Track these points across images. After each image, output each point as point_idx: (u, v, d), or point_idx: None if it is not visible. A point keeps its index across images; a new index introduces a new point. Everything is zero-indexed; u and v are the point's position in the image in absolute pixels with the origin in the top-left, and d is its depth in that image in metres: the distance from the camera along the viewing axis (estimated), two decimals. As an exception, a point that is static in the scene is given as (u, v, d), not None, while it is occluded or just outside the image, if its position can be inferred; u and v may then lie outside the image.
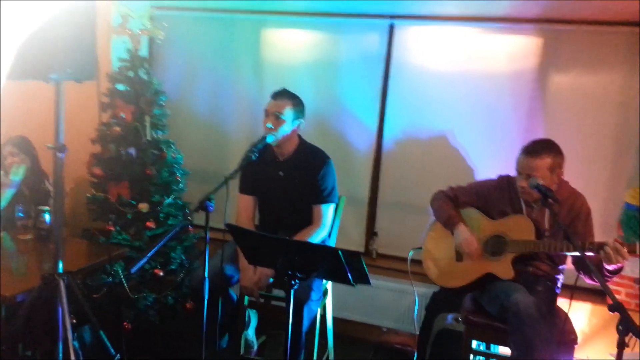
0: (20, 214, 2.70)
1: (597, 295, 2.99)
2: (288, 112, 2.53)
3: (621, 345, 1.45)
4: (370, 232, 3.60)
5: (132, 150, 3.14)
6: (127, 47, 3.14)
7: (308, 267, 2.04)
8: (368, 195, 3.55)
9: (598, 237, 2.99)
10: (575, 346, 2.20)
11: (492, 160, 3.14)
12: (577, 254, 2.20)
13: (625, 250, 1.99)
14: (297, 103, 2.58)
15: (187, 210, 3.28)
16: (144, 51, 3.43)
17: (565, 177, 2.49)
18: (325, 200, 2.63)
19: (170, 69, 3.76)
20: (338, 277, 2.18)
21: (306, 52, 3.49)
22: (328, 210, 2.65)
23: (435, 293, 3.12)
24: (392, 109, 3.39)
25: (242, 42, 3.63)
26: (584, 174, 3.00)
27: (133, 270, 1.87)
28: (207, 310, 2.16)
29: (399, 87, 3.34)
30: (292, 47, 3.53)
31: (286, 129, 2.54)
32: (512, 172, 2.48)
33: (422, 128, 3.34)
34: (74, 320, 2.93)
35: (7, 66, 1.76)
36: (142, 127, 3.12)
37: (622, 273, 2.94)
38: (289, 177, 2.63)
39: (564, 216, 2.30)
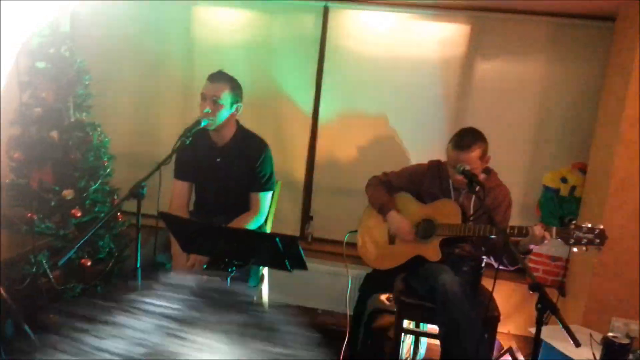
0: None
1: (518, 274, 3.18)
2: (226, 97, 2.47)
3: (540, 322, 1.55)
4: (306, 216, 3.62)
5: (54, 133, 2.95)
6: (48, 22, 2.93)
7: (245, 254, 2.03)
8: (303, 180, 3.56)
9: (519, 218, 3.20)
10: (499, 323, 2.33)
11: (424, 143, 3.24)
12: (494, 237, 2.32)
13: (547, 232, 2.13)
14: (235, 86, 2.53)
15: (115, 197, 3.14)
16: (66, 27, 3.22)
17: (490, 161, 2.61)
18: (263, 187, 2.61)
19: (95, 47, 3.55)
20: (275, 264, 2.19)
21: (240, 32, 3.42)
22: (265, 198, 2.64)
23: (367, 274, 3.20)
24: (327, 92, 3.40)
25: (173, 19, 3.50)
26: (506, 158, 3.15)
27: (61, 262, 1.79)
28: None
29: (334, 70, 3.36)
30: (224, 27, 3.44)
31: (224, 114, 2.48)
32: (443, 157, 2.57)
33: (356, 112, 3.38)
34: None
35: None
36: (65, 108, 2.94)
37: (540, 251, 3.18)
38: (226, 163, 2.58)
39: (489, 203, 2.41)
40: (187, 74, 3.49)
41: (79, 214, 2.99)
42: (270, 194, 2.67)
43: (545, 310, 1.54)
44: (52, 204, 2.94)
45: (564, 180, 3.06)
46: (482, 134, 2.42)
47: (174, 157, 2.29)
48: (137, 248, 2.03)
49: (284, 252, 1.97)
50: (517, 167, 3.21)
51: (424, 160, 2.72)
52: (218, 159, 2.58)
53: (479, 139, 2.38)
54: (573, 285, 3.08)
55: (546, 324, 1.58)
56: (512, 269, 2.33)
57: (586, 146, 3.06)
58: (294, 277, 3.43)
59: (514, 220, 2.46)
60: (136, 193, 1.97)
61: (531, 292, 1.58)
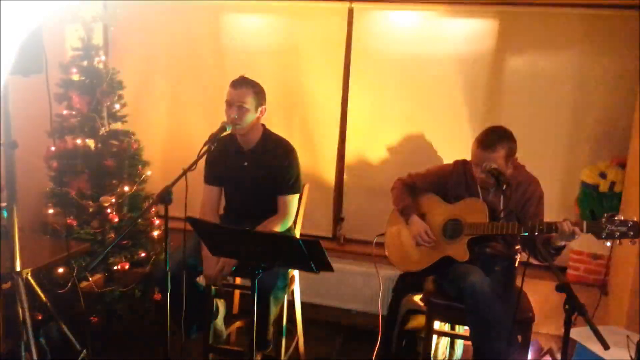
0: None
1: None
2: (251, 101, 2.49)
3: (568, 324, 1.50)
4: (337, 218, 3.62)
5: (90, 142, 3.06)
6: (80, 36, 3.04)
7: (270, 257, 2.04)
8: (334, 181, 3.56)
9: (558, 216, 3.09)
10: (533, 323, 2.26)
11: (454, 142, 3.19)
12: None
13: (576, 227, 2.05)
14: (258, 90, 2.55)
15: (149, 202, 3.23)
16: (98, 39, 3.33)
17: (524, 159, 2.54)
18: (290, 190, 2.62)
19: (127, 57, 3.67)
20: (301, 265, 2.19)
21: (266, 37, 3.46)
22: (293, 201, 2.65)
23: (401, 275, 3.17)
24: (355, 94, 3.39)
25: (201, 28, 3.57)
26: (542, 155, 3.08)
27: (91, 267, 1.85)
28: (172, 302, 2.15)
29: (361, 71, 3.35)
30: (252, 33, 3.49)
31: (250, 118, 2.51)
32: (469, 156, 2.51)
33: (385, 112, 3.36)
34: (40, 317, 2.91)
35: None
36: (99, 118, 3.05)
37: (580, 249, 3.07)
38: (253, 167, 2.61)
39: (518, 199, 2.35)
40: (217, 80, 3.53)
41: (116, 220, 3.09)
42: (297, 196, 2.67)
43: (573, 311, 1.49)
44: (90, 210, 3.04)
45: (602, 175, 2.94)
46: (509, 133, 2.34)
47: (201, 163, 2.33)
48: (166, 252, 2.07)
49: (308, 254, 1.98)
50: (554, 165, 3.11)
51: (454, 159, 2.67)
52: (245, 163, 2.61)
53: (505, 138, 2.31)
54: (615, 284, 2.95)
55: (575, 325, 1.52)
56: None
57: (625, 140, 2.93)
58: (327, 278, 3.48)
59: (553, 218, 2.36)
60: (163, 199, 2.01)
61: (558, 292, 1.53)
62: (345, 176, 3.55)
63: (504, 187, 2.13)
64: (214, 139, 2.28)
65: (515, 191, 2.35)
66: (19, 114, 2.23)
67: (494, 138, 2.28)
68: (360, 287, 3.46)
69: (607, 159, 2.99)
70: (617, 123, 2.96)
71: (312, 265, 2.03)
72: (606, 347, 1.35)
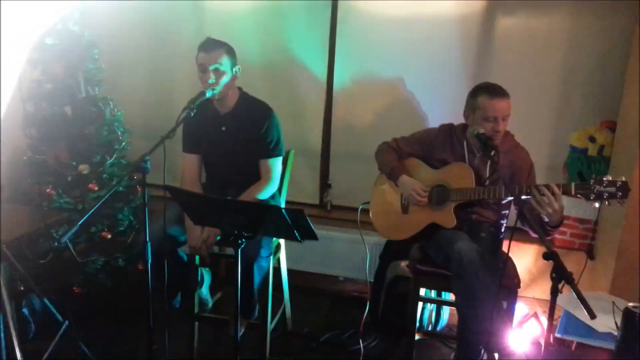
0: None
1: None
2: (226, 62, 2.40)
3: (555, 292, 1.48)
4: (324, 184, 3.57)
5: (67, 109, 2.96)
6: (53, -3, 2.90)
7: (253, 226, 2.00)
8: (320, 147, 3.50)
9: (545, 180, 3.06)
10: (519, 289, 2.26)
11: (443, 106, 3.11)
12: (512, 198, 2.22)
13: (551, 196, 2.01)
14: (230, 50, 2.45)
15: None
16: (72, 2, 3.17)
17: (513, 121, 2.48)
18: (272, 154, 2.55)
19: (105, 20, 3.51)
20: (285, 234, 2.15)
21: (249, -3, 3.31)
22: (275, 164, 2.59)
23: (388, 242, 3.14)
24: (341, 56, 3.29)
25: (181, -12, 3.41)
26: (531, 117, 3.02)
27: (63, 239, 1.79)
28: (154, 272, 2.11)
29: (348, 32, 3.23)
30: (233, -7, 3.34)
31: (227, 79, 2.42)
32: (461, 118, 2.45)
33: (371, 75, 3.26)
34: (22, 288, 2.87)
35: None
36: (76, 84, 2.93)
37: (567, 214, 3.04)
38: (232, 131, 2.53)
39: (506, 166, 2.31)
40: (197, 42, 3.38)
41: (96, 189, 3.02)
42: (279, 159, 2.61)
43: (560, 280, 1.46)
44: (69, 179, 2.97)
45: (591, 139, 2.90)
46: None
47: (179, 130, 2.25)
48: (145, 222, 2.01)
49: (292, 223, 1.93)
50: (543, 127, 3.06)
51: (444, 122, 2.61)
52: (223, 128, 2.53)
53: None
54: (602, 249, 2.96)
55: (562, 292, 1.50)
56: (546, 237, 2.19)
57: (615, 104, 2.88)
58: (314, 245, 3.45)
59: (541, 182, 2.32)
60: (139, 167, 1.94)
61: (545, 260, 1.49)
62: (331, 142, 3.48)
63: (492, 153, 2.08)
64: (192, 104, 2.20)
65: (503, 158, 2.31)
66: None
67: (501, 88, 2.26)
68: (347, 253, 3.44)
69: (596, 123, 2.94)
70: (607, 86, 2.89)
71: (297, 234, 1.99)
72: (593, 316, 1.33)
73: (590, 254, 3.02)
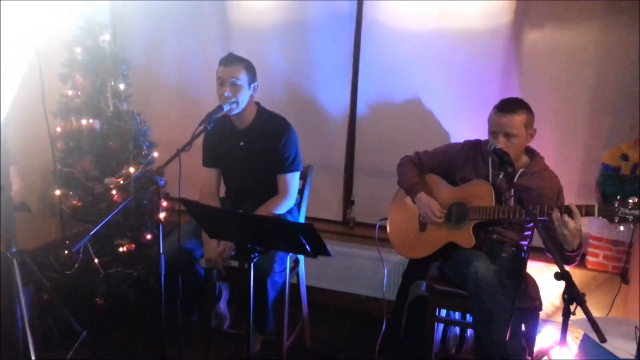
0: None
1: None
2: (243, 77, 2.42)
3: (567, 314, 1.40)
4: (347, 201, 3.53)
5: (95, 123, 3.03)
6: (84, 13, 3.00)
7: (266, 240, 1.98)
8: (344, 163, 3.47)
9: (577, 200, 2.94)
10: (540, 312, 2.15)
11: (467, 122, 3.05)
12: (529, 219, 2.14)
13: (563, 217, 1.92)
14: (249, 66, 2.47)
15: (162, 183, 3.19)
16: (104, 18, 3.29)
17: (542, 139, 2.42)
18: (289, 169, 2.54)
19: (133, 36, 3.62)
20: (297, 250, 2.13)
21: (274, 14, 3.34)
22: (293, 179, 2.57)
23: (411, 260, 3.07)
24: (365, 71, 3.27)
25: (208, 5, 3.47)
26: (562, 135, 2.93)
27: (75, 249, 1.83)
28: (168, 286, 2.12)
29: (371, 48, 3.22)
30: (259, 10, 3.38)
31: (245, 95, 2.44)
32: (484, 135, 2.39)
33: (395, 91, 3.23)
34: (45, 298, 2.93)
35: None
36: (104, 98, 3.01)
37: (601, 235, 2.91)
38: (250, 146, 2.54)
39: (530, 187, 2.23)
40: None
41: (121, 201, 3.07)
42: (297, 174, 2.59)
43: (572, 301, 1.38)
44: (95, 191, 3.03)
45: (624, 157, 2.77)
46: (527, 104, 2.26)
47: (197, 145, 2.27)
48: (159, 236, 2.03)
49: (303, 239, 1.91)
50: (574, 144, 2.95)
51: (468, 138, 2.55)
52: (241, 143, 2.54)
53: (525, 106, 2.24)
54: (636, 272, 2.80)
55: (574, 314, 1.41)
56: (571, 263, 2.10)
57: (650, 120, 2.75)
58: (336, 263, 3.42)
59: (572, 202, 2.21)
60: (154, 180, 1.96)
61: (557, 280, 1.42)
62: (355, 159, 3.45)
63: (509, 168, 2.01)
64: (209, 118, 2.22)
65: (528, 179, 2.23)
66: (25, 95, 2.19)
67: (514, 103, 2.22)
68: (370, 271, 3.39)
69: (629, 140, 2.81)
70: (640, 101, 2.77)
71: (309, 249, 1.97)
72: (602, 339, 1.26)
73: (624, 277, 2.87)
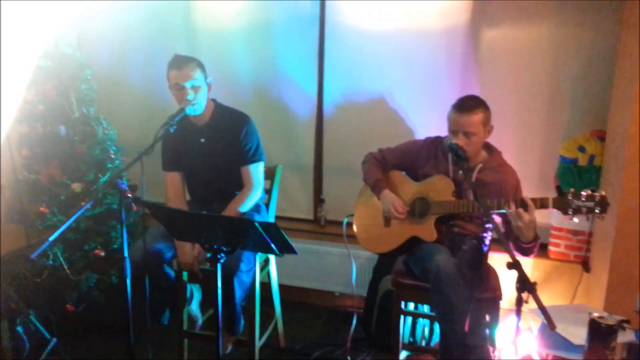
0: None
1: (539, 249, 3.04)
2: (199, 76, 2.43)
3: (519, 302, 1.45)
4: (318, 199, 3.57)
5: (61, 129, 3.02)
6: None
7: (231, 241, 2.00)
8: (313, 162, 3.51)
9: (537, 192, 3.02)
10: (500, 302, 2.22)
11: (430, 119, 3.12)
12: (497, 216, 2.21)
13: (518, 210, 1.99)
14: (200, 63, 2.47)
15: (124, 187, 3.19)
16: (65, 23, 3.26)
17: (501, 133, 2.48)
18: (252, 159, 2.56)
19: (97, 40, 3.61)
20: (263, 249, 2.15)
21: (238, 16, 3.37)
22: (257, 170, 2.60)
23: (381, 255, 3.12)
24: (330, 71, 3.32)
25: (172, 9, 3.48)
26: (519, 129, 3.01)
27: (33, 255, 1.81)
28: (137, 289, 2.13)
29: (335, 48, 3.27)
30: (223, 12, 3.40)
31: (204, 93, 2.46)
32: (447, 131, 2.44)
33: (360, 90, 3.29)
34: (13, 306, 2.91)
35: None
36: (69, 104, 2.99)
37: (561, 226, 3.00)
38: (211, 141, 2.55)
39: (488, 182, 2.29)
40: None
41: (89, 207, 3.05)
42: (261, 164, 2.62)
43: (524, 289, 1.44)
44: (62, 197, 3.01)
45: (581, 149, 2.86)
46: (484, 101, 2.31)
47: (157, 148, 2.27)
48: (124, 240, 2.04)
49: (267, 237, 1.93)
50: (532, 138, 3.04)
51: (432, 135, 2.61)
52: (202, 140, 2.55)
53: (482, 104, 2.28)
54: (597, 261, 2.89)
55: (527, 302, 1.47)
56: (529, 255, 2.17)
57: (604, 112, 2.84)
58: (308, 261, 3.45)
59: (532, 195, 2.27)
60: (115, 184, 1.97)
61: (509, 269, 1.48)
62: (324, 157, 3.49)
63: (465, 163, 2.07)
64: (172, 121, 2.23)
65: (487, 174, 2.30)
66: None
67: (471, 102, 2.25)
68: (342, 268, 3.43)
69: (585, 132, 2.91)
70: (595, 95, 2.87)
71: (275, 248, 1.99)
72: (552, 327, 1.31)
73: (586, 266, 2.96)
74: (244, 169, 2.57)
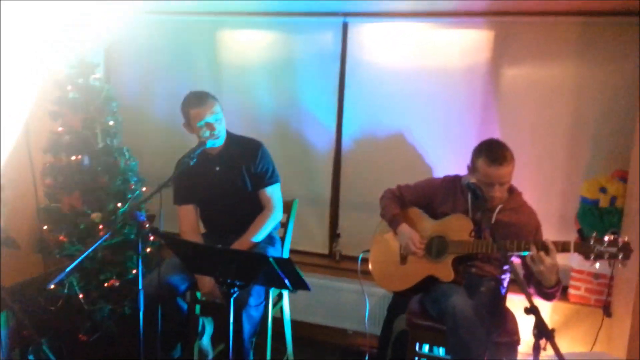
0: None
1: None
2: (218, 109, 2.48)
3: (537, 349, 1.41)
4: (333, 234, 3.56)
5: (85, 159, 3.08)
6: (76, 53, 3.08)
7: (245, 275, 2.00)
8: (330, 196, 3.51)
9: (558, 233, 2.97)
10: (518, 346, 2.16)
11: (449, 156, 3.12)
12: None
13: (539, 253, 1.95)
14: (212, 95, 2.53)
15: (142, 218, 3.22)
16: (97, 57, 3.37)
17: (522, 173, 2.45)
18: (270, 182, 2.59)
19: (124, 73, 3.71)
20: (276, 284, 2.14)
21: (262, 52, 3.45)
22: (275, 191, 2.62)
23: (395, 294, 3.08)
24: (350, 107, 3.35)
25: (198, 44, 3.59)
26: (540, 168, 2.98)
27: (49, 285, 1.83)
28: (149, 321, 2.13)
29: (356, 85, 3.31)
30: (247, 48, 3.49)
31: (224, 125, 2.52)
32: (465, 169, 2.43)
33: (379, 126, 3.31)
34: (26, 334, 2.92)
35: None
36: (93, 135, 3.07)
37: (582, 268, 2.93)
38: (226, 169, 2.57)
39: (512, 226, 2.25)
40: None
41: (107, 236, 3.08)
42: (278, 186, 2.64)
43: (541, 336, 1.40)
44: (82, 226, 3.05)
45: (603, 190, 2.81)
46: (509, 148, 2.25)
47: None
48: (139, 271, 2.05)
49: (281, 272, 1.93)
50: (553, 179, 3.00)
51: (450, 173, 2.60)
52: (217, 168, 2.58)
53: (510, 151, 2.22)
54: (619, 306, 2.81)
55: (545, 349, 1.43)
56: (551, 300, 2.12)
57: (626, 152, 2.81)
58: (322, 297, 3.41)
59: (553, 236, 2.23)
60: (133, 216, 1.99)
61: (527, 314, 1.44)
62: (341, 192, 3.49)
63: (484, 204, 2.05)
64: (192, 154, 2.27)
65: (506, 215, 2.27)
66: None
67: (503, 152, 2.18)
68: (356, 305, 3.37)
69: (607, 173, 2.87)
70: (617, 134, 2.84)
71: (288, 283, 1.98)
72: (570, 375, 1.26)
73: (607, 311, 2.87)
74: (262, 192, 2.59)
